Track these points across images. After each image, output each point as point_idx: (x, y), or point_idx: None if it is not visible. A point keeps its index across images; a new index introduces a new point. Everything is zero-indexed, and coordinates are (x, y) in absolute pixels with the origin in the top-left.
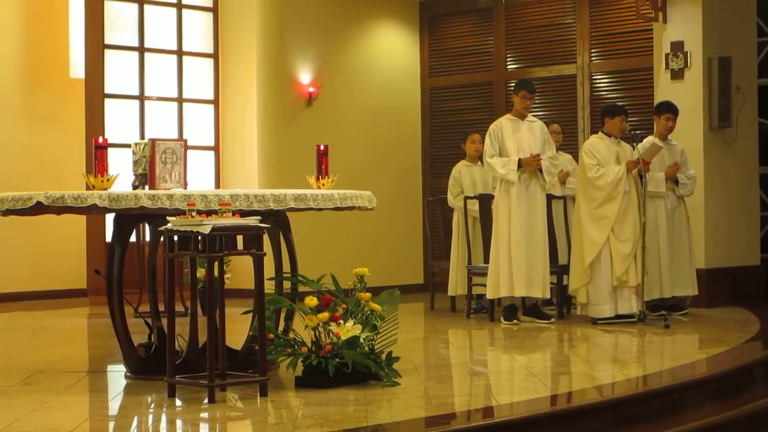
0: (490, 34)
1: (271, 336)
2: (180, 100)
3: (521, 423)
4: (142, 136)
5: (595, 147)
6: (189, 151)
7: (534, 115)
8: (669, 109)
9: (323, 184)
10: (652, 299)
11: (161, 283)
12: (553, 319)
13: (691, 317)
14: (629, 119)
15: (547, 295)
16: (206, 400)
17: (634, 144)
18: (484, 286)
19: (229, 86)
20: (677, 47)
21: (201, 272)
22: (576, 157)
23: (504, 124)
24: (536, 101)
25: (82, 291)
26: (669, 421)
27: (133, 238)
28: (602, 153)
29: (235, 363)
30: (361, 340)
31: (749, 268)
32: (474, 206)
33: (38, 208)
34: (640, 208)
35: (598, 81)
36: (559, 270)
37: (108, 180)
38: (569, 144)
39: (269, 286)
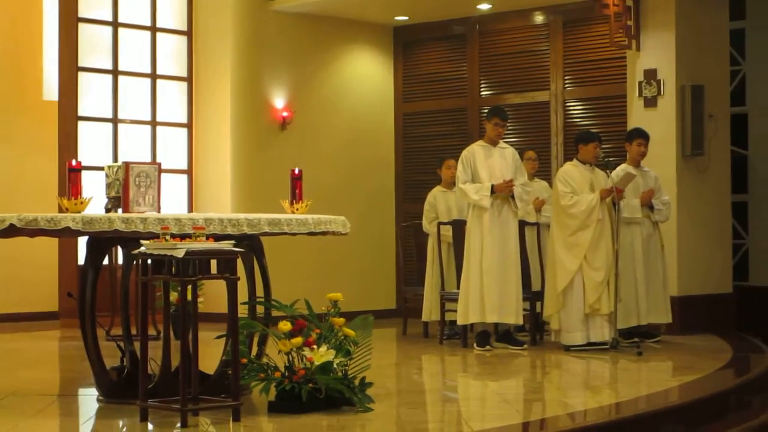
0: (463, 60)
1: (245, 360)
2: (154, 123)
3: None
4: (116, 159)
5: (569, 174)
6: (162, 175)
7: (507, 142)
8: (640, 135)
9: (297, 209)
10: (629, 326)
11: (134, 306)
12: (525, 346)
13: (664, 344)
14: (603, 146)
15: (520, 322)
16: (179, 425)
17: (608, 171)
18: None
19: (203, 110)
20: (650, 75)
21: (174, 296)
22: (551, 184)
23: (476, 150)
24: (509, 128)
25: (54, 314)
26: None
27: (106, 261)
28: (576, 180)
29: (208, 387)
30: (335, 366)
31: (721, 295)
32: (448, 232)
33: (11, 231)
34: (613, 236)
35: (571, 108)
36: (532, 296)
37: (81, 203)
38: (543, 171)
39: (242, 311)
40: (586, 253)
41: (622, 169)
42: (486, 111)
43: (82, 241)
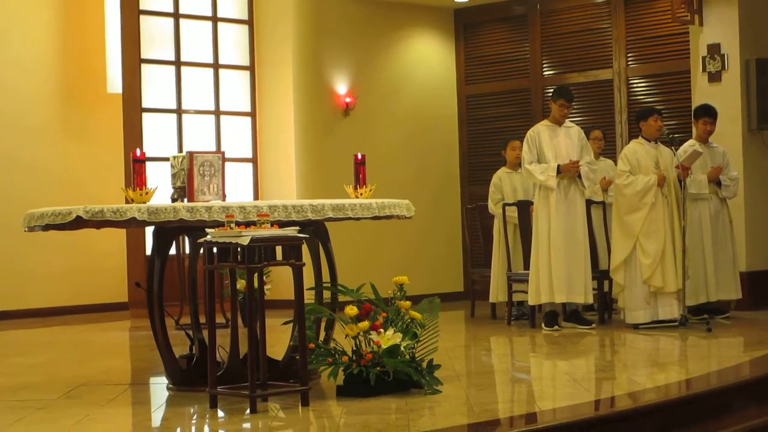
0: (525, 40)
1: (312, 346)
2: (217, 112)
3: (565, 428)
4: (180, 150)
5: (632, 152)
6: (227, 163)
7: (572, 121)
8: (706, 113)
9: (361, 194)
10: (698, 303)
11: (201, 294)
12: (594, 325)
13: (733, 320)
14: (667, 123)
15: (590, 301)
16: (248, 411)
17: (674, 148)
18: (525, 292)
19: (266, 98)
20: (714, 50)
21: (241, 283)
22: (617, 163)
23: (541, 130)
24: (573, 107)
25: (123, 304)
26: (713, 425)
27: (172, 251)
28: (641, 158)
29: (276, 373)
30: (402, 349)
31: None
32: (513, 213)
33: (78, 223)
34: (679, 213)
35: (635, 85)
36: (600, 275)
37: (147, 193)
38: (608, 150)
39: (309, 296)
40: (639, 236)
41: (690, 145)
42: (549, 91)
43: (149, 232)
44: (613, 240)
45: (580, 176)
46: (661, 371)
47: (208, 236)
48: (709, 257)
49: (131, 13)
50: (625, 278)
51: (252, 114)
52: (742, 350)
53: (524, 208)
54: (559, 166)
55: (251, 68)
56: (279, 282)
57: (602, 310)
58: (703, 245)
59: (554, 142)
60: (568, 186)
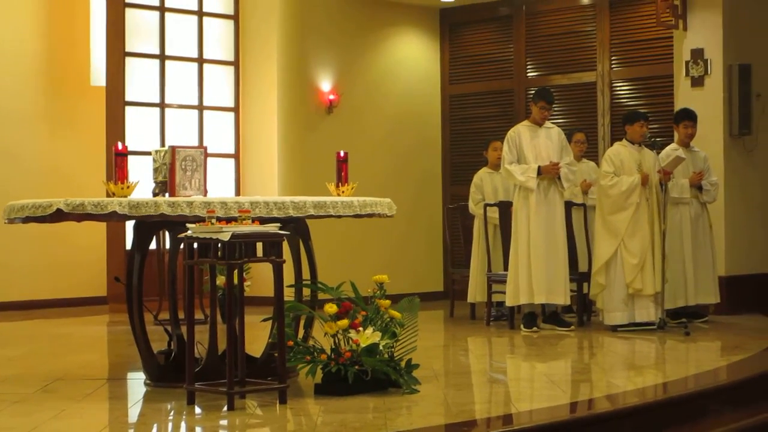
0: (510, 41)
1: (291, 343)
2: (200, 107)
3: (541, 430)
4: (163, 144)
5: (616, 154)
6: (209, 159)
7: (554, 123)
8: (686, 116)
9: (343, 191)
10: (675, 307)
11: (181, 290)
12: (572, 327)
13: (711, 325)
14: (649, 126)
15: (568, 302)
16: (225, 408)
17: (655, 151)
18: (504, 293)
19: (250, 94)
20: (697, 54)
21: (221, 279)
22: (599, 165)
23: (522, 131)
24: (556, 109)
25: (102, 299)
26: (690, 429)
27: (153, 246)
28: (625, 160)
29: (255, 370)
30: (381, 348)
31: None
32: (494, 213)
33: (58, 216)
34: (659, 216)
35: (618, 88)
36: (579, 277)
37: (128, 187)
38: (590, 152)
39: (289, 294)
40: (624, 237)
41: (671, 148)
42: (533, 92)
43: (130, 226)
44: (597, 241)
45: (559, 177)
46: (639, 374)
47: (189, 231)
48: (688, 261)
49: (117, 6)
50: (606, 279)
51: (235, 109)
52: (720, 354)
53: (505, 208)
54: (539, 167)
55: (235, 64)
56: (259, 279)
57: (581, 312)
58: (683, 249)
59: (534, 143)
60: (548, 187)
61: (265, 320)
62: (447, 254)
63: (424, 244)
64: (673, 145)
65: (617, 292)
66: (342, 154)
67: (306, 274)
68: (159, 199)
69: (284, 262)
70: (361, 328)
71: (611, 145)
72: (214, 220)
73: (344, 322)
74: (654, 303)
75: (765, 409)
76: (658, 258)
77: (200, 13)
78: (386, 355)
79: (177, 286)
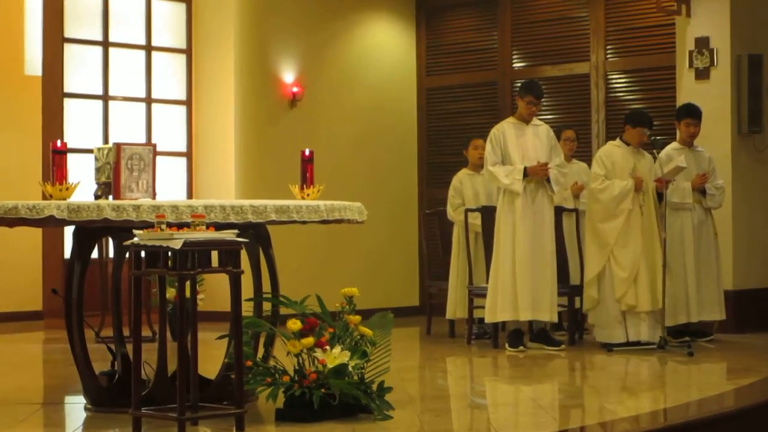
0: (494, 29)
1: (249, 363)
2: (148, 100)
3: None
4: (106, 141)
5: (609, 155)
6: (158, 157)
7: (543, 119)
8: (689, 113)
9: (308, 194)
10: (678, 324)
11: (126, 304)
12: (563, 346)
13: (717, 344)
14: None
15: (555, 319)
16: None
17: (655, 152)
18: None
19: (204, 85)
20: (702, 44)
21: (171, 292)
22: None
23: (507, 128)
24: (545, 104)
25: (37, 313)
26: None
27: (95, 254)
28: (617, 162)
29: (209, 394)
30: (350, 369)
31: None
32: (476, 220)
33: None
34: (658, 225)
35: (614, 81)
36: (570, 291)
37: (67, 189)
38: (582, 151)
39: (247, 308)
40: (613, 248)
41: (672, 148)
42: (519, 85)
43: (69, 232)
44: (587, 251)
45: (548, 180)
46: (636, 399)
47: (136, 238)
48: (690, 273)
49: None
50: (599, 292)
51: (187, 102)
52: (726, 377)
53: (488, 214)
54: (525, 168)
55: (188, 51)
56: (214, 291)
57: (572, 329)
58: (684, 260)
59: (521, 141)
60: (536, 191)
61: (220, 338)
62: (424, 265)
63: (398, 253)
64: (674, 145)
65: (610, 307)
66: (307, 152)
67: (267, 286)
68: (102, 202)
69: (242, 272)
70: (327, 347)
71: (605, 143)
72: (163, 226)
73: (309, 340)
74: (649, 321)
75: None
76: (655, 271)
77: None
78: (356, 377)
79: (122, 300)
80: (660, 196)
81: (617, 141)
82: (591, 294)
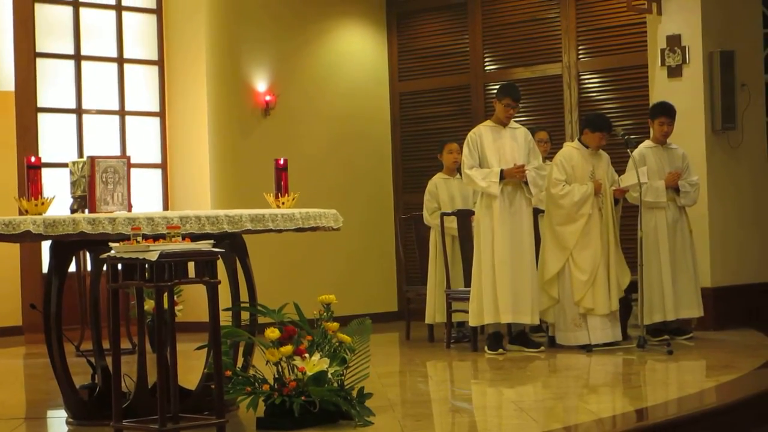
0: (465, 32)
1: (229, 373)
2: (122, 112)
3: None
4: (81, 154)
5: (569, 159)
6: (133, 169)
7: (517, 121)
8: (663, 112)
9: (283, 203)
10: (653, 323)
11: (105, 317)
12: (543, 348)
13: (696, 341)
14: (622, 123)
15: (536, 321)
16: None
17: (629, 150)
18: (465, 312)
19: (176, 96)
20: (674, 41)
21: (149, 304)
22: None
23: (483, 131)
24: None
25: (16, 329)
26: None
27: (72, 268)
28: (577, 166)
29: (190, 404)
30: (329, 376)
31: (759, 285)
32: (452, 223)
33: None
34: (613, 227)
35: (586, 81)
36: None
37: (43, 203)
38: (556, 152)
39: (225, 318)
40: (572, 251)
41: (645, 146)
42: (491, 87)
43: (46, 247)
44: (546, 251)
45: (526, 182)
46: (616, 398)
47: (112, 251)
48: (666, 271)
49: (25, 1)
50: (559, 293)
51: (161, 114)
52: (706, 375)
53: (464, 217)
54: (502, 171)
55: (160, 63)
56: (191, 302)
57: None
58: (659, 258)
59: (498, 144)
60: (513, 193)
61: (199, 348)
62: (401, 270)
63: (375, 259)
64: (647, 143)
65: (568, 310)
66: (281, 161)
67: (244, 295)
68: (78, 216)
69: (219, 282)
70: (306, 355)
71: (564, 146)
72: (139, 238)
73: (288, 349)
74: (608, 321)
75: None
76: (614, 273)
77: (119, 8)
78: (336, 384)
79: (100, 313)
80: (616, 201)
81: (575, 143)
82: (550, 293)
